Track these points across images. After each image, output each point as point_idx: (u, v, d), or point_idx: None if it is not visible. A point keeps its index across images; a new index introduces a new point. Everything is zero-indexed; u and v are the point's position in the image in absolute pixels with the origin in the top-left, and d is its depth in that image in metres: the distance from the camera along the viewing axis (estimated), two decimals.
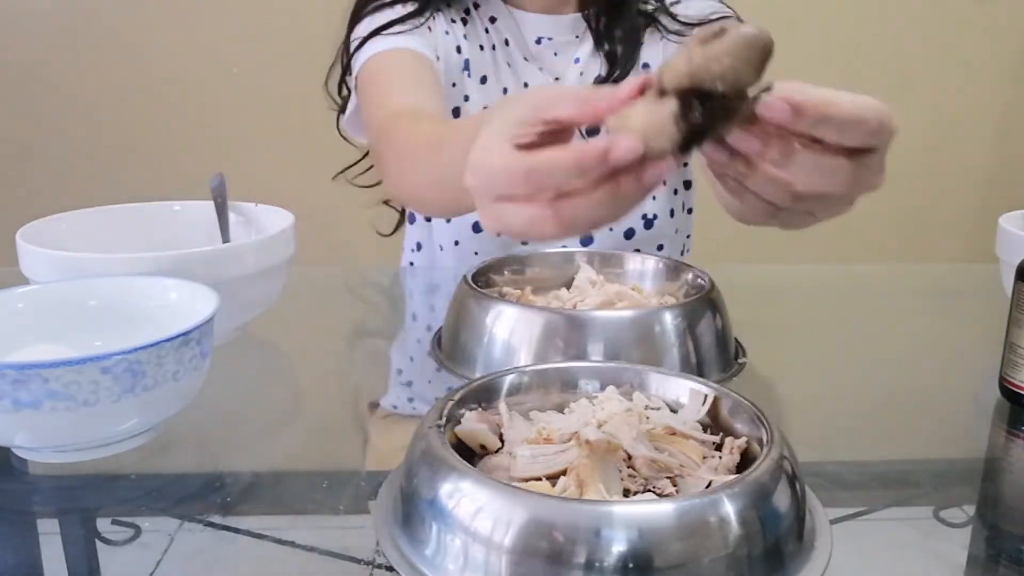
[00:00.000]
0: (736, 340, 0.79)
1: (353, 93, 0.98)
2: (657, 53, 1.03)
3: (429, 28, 0.97)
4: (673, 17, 1.02)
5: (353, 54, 0.96)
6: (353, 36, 0.97)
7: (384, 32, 0.93)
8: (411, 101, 0.88)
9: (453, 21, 1.01)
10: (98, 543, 0.54)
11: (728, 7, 1.03)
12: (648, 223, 1.04)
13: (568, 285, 0.84)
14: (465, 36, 1.01)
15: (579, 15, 1.03)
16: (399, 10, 0.96)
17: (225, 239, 0.91)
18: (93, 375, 0.54)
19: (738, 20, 0.98)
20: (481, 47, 1.02)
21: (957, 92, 2.11)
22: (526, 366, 0.61)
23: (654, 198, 1.03)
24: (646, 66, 1.03)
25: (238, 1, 1.91)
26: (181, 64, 1.94)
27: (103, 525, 0.55)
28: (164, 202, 0.94)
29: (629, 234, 1.03)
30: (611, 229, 1.02)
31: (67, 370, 0.54)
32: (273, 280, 0.82)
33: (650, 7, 1.03)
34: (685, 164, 1.07)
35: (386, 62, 0.93)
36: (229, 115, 1.93)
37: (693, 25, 1.01)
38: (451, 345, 0.77)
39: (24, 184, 1.98)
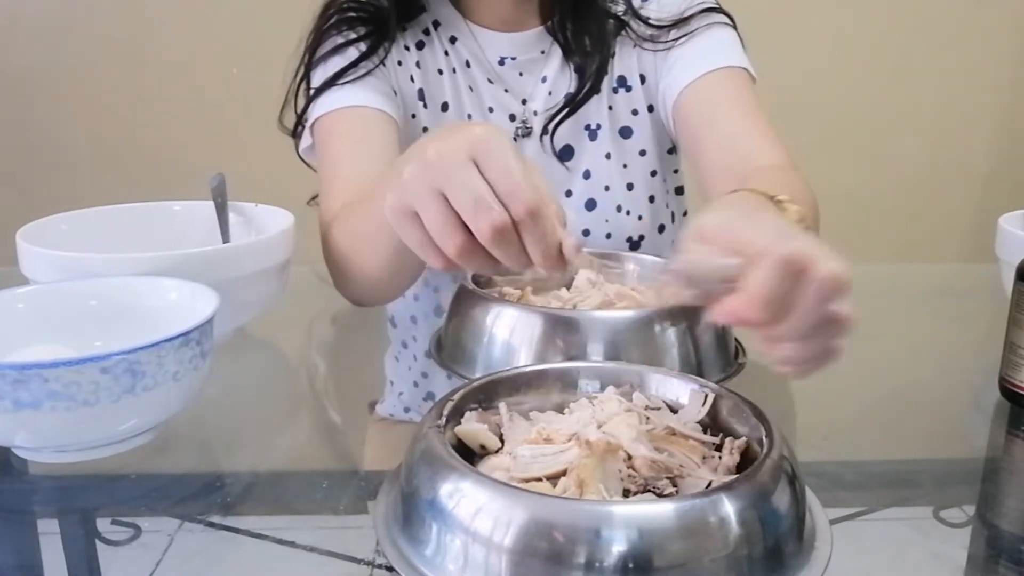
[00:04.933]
0: (736, 340, 0.79)
1: (308, 132, 0.92)
2: (632, 65, 0.96)
3: (383, 63, 0.91)
4: (644, 21, 0.94)
5: (309, 103, 0.91)
6: (311, 85, 0.91)
7: (339, 82, 0.88)
8: (353, 188, 0.83)
9: (407, 48, 0.95)
10: (98, 543, 0.54)
11: None
12: (634, 245, 0.99)
13: (568, 285, 0.83)
14: (419, 63, 0.95)
15: (543, 29, 0.95)
16: (353, 53, 0.90)
17: (225, 239, 0.91)
18: (93, 375, 0.54)
19: (714, 10, 0.93)
20: (440, 71, 0.96)
21: (957, 92, 2.11)
22: (526, 366, 0.61)
23: (640, 218, 0.98)
24: (622, 79, 0.96)
25: (238, 1, 1.92)
26: (181, 64, 1.94)
27: (103, 525, 0.55)
28: (164, 202, 0.94)
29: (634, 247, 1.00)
30: (608, 236, 0.99)
31: (67, 370, 0.54)
32: (273, 280, 0.82)
33: (619, 8, 0.95)
34: (676, 171, 1.02)
35: (336, 129, 0.88)
36: (229, 115, 1.93)
37: (667, 27, 0.93)
38: (451, 345, 0.77)
39: (24, 184, 1.98)
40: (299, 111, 0.93)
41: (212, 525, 0.54)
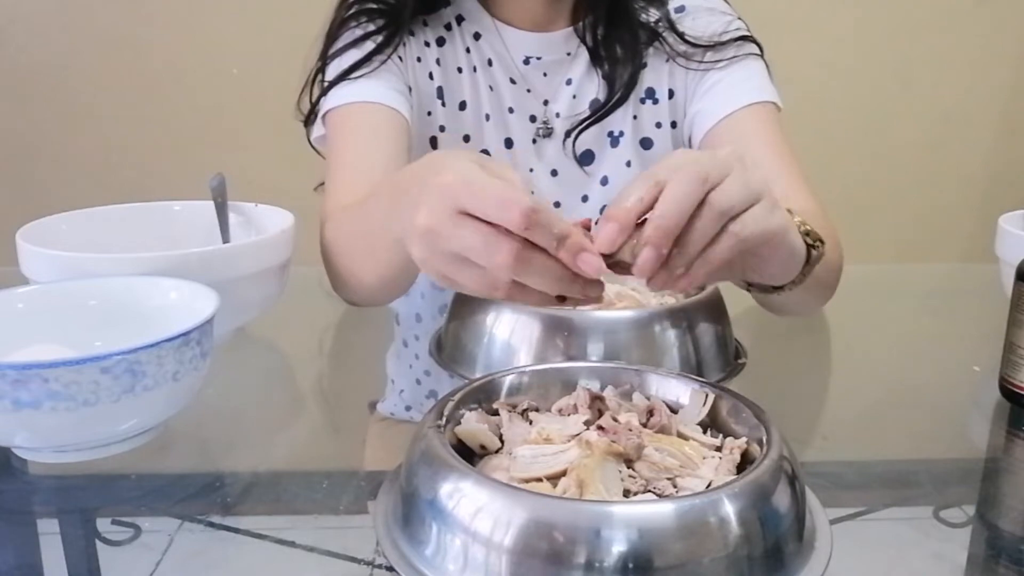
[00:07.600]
0: (736, 340, 0.79)
1: (320, 122, 0.92)
2: (663, 78, 0.94)
3: (400, 57, 0.91)
4: (680, 36, 0.92)
5: (322, 95, 0.91)
6: (326, 77, 0.91)
7: (352, 76, 0.88)
8: (359, 185, 0.82)
9: (427, 44, 0.94)
10: (98, 543, 0.54)
11: (739, 18, 0.95)
12: None
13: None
14: (439, 60, 0.94)
15: (571, 30, 0.94)
16: (369, 45, 0.89)
17: (225, 239, 0.91)
18: (93, 375, 0.54)
19: (748, 39, 0.92)
20: (459, 69, 0.95)
21: (957, 92, 2.11)
22: (526, 366, 0.61)
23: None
24: (650, 91, 0.95)
25: (238, 1, 1.92)
26: (181, 64, 1.94)
27: (103, 525, 0.55)
28: (164, 202, 0.94)
29: None
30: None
31: (67, 370, 0.54)
32: (273, 280, 0.82)
33: (653, 18, 0.94)
34: None
35: (346, 123, 0.88)
36: (229, 115, 1.93)
37: (703, 47, 0.92)
38: (451, 346, 0.77)
39: (24, 184, 1.98)
40: (313, 101, 0.93)
41: (212, 525, 0.54)
